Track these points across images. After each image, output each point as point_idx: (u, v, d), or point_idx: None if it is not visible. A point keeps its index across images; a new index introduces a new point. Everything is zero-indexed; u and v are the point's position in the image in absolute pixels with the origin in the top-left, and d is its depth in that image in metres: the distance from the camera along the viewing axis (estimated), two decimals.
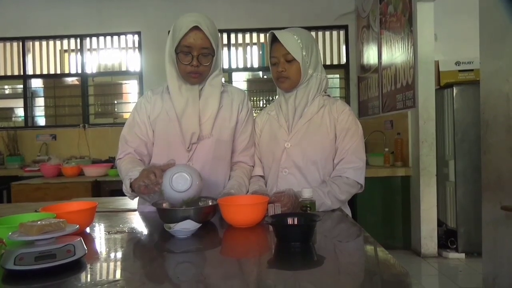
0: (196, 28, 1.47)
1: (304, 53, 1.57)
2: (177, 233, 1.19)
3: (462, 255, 3.53)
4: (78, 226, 1.04)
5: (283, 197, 1.38)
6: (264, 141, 1.70)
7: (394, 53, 4.11)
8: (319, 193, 1.48)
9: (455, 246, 3.59)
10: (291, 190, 1.43)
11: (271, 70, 1.66)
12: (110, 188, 3.83)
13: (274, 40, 1.60)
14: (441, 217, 3.71)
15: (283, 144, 1.62)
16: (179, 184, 1.32)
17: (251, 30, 5.36)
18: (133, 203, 1.81)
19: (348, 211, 1.63)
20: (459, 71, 3.96)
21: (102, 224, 1.43)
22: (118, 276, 0.93)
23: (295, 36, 1.56)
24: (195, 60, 1.50)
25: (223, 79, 1.69)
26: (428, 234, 3.62)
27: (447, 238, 3.65)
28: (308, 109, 1.62)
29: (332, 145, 1.60)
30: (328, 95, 1.69)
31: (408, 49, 3.77)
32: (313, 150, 1.58)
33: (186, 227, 1.20)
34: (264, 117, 1.75)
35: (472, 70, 3.93)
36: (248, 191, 1.61)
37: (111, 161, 4.38)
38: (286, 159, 1.60)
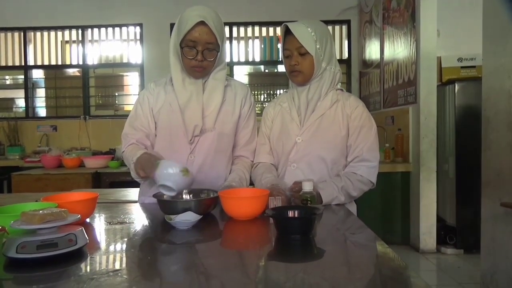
0: (202, 23, 1.46)
1: (317, 46, 1.53)
2: (178, 224, 1.19)
3: (461, 251, 3.55)
4: (79, 216, 1.05)
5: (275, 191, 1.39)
6: (275, 133, 1.68)
7: (396, 49, 4.10)
8: (334, 187, 1.49)
9: (454, 242, 3.60)
10: (282, 185, 1.45)
11: (284, 63, 1.63)
12: (110, 179, 3.84)
13: (287, 32, 1.56)
14: (441, 213, 3.72)
15: (295, 139, 1.60)
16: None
17: (253, 24, 5.33)
18: (134, 194, 1.82)
19: (353, 208, 1.62)
20: (461, 67, 3.94)
21: (103, 215, 1.44)
22: (119, 266, 0.93)
23: (308, 29, 1.52)
24: (200, 55, 1.50)
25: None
26: (427, 230, 3.63)
27: (446, 234, 3.66)
28: (321, 104, 1.59)
29: (343, 142, 1.58)
30: (342, 90, 1.66)
31: (410, 44, 3.76)
32: (324, 147, 1.57)
33: (187, 218, 1.21)
34: (277, 108, 1.71)
35: (474, 66, 3.91)
36: (261, 178, 1.58)
37: (112, 153, 4.38)
38: (295, 154, 1.59)
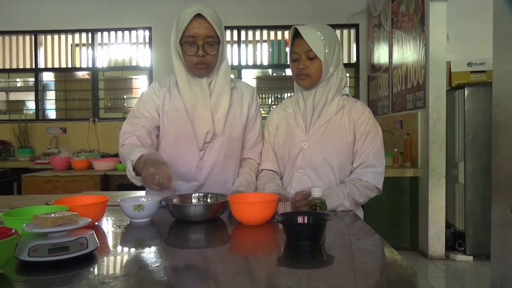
0: (199, 16, 1.45)
1: (326, 51, 1.52)
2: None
3: (470, 258, 3.51)
4: (90, 219, 1.06)
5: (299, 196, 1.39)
6: (280, 139, 1.66)
7: (405, 53, 4.08)
8: (339, 194, 1.48)
9: (463, 248, 3.57)
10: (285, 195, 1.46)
11: (290, 66, 1.61)
12: (118, 182, 3.86)
13: (296, 35, 1.55)
14: (450, 219, 3.69)
15: (300, 144, 1.58)
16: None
17: (261, 28, 5.35)
18: None
19: (360, 213, 1.61)
20: (471, 72, 3.92)
21: (113, 218, 1.45)
22: (129, 270, 0.94)
23: (318, 33, 1.51)
24: (201, 50, 1.47)
25: (232, 75, 1.67)
26: (435, 236, 3.60)
27: (455, 240, 3.63)
28: (327, 109, 1.58)
29: (350, 148, 1.57)
30: (348, 95, 1.65)
31: (419, 49, 3.74)
32: (331, 153, 1.55)
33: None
34: (281, 114, 1.70)
35: (484, 71, 3.89)
36: (263, 188, 1.57)
37: None
38: (302, 160, 1.58)
